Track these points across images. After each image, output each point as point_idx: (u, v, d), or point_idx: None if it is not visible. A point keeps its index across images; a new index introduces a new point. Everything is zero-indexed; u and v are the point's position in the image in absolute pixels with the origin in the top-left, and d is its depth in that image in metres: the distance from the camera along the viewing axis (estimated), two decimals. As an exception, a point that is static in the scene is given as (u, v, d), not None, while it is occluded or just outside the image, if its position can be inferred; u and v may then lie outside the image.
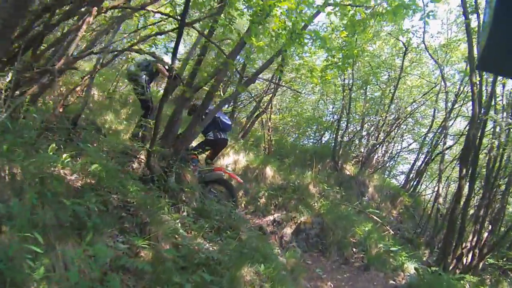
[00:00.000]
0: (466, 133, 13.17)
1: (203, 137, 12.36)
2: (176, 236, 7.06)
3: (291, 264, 9.88)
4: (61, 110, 7.46)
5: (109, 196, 6.93)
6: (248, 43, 9.05)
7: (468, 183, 11.93)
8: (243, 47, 9.99)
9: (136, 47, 9.44)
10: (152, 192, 8.46)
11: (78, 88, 8.05)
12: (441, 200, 17.39)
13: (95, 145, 9.10)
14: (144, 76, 11.23)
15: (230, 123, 12.34)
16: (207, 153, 12.36)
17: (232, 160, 16.38)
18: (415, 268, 10.72)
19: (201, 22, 10.30)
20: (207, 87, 10.76)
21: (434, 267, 10.74)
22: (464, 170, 11.89)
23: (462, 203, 11.96)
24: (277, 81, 18.24)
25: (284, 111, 27.50)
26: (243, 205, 14.19)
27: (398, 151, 25.27)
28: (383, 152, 22.96)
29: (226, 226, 9.09)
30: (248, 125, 20.26)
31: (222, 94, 18.45)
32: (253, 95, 22.28)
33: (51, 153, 6.50)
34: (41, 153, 6.36)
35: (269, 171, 15.89)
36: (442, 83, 18.92)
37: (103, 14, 8.61)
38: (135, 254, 6.13)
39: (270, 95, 20.17)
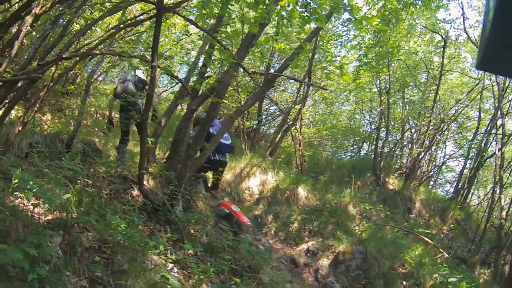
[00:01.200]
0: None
1: None
2: (165, 288, 5.32)
3: None
4: (20, 128, 5.95)
5: (81, 234, 5.34)
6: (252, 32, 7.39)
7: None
8: (252, 41, 8.30)
9: (116, 49, 7.95)
10: (152, 225, 6.98)
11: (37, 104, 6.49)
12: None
13: (91, 170, 7.72)
14: (141, 100, 9.98)
15: (228, 142, 10.71)
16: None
17: (259, 180, 14.82)
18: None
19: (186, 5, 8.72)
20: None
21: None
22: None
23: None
24: (305, 80, 16.58)
25: (318, 124, 26.02)
26: (272, 232, 12.57)
27: (443, 158, 23.22)
28: (427, 161, 20.99)
29: (243, 265, 7.38)
30: (276, 140, 18.58)
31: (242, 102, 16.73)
32: (280, 107, 20.59)
33: (15, 181, 4.92)
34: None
35: (301, 191, 14.26)
36: (488, 78, 17.15)
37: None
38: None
39: (299, 106, 18.34)
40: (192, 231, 7.90)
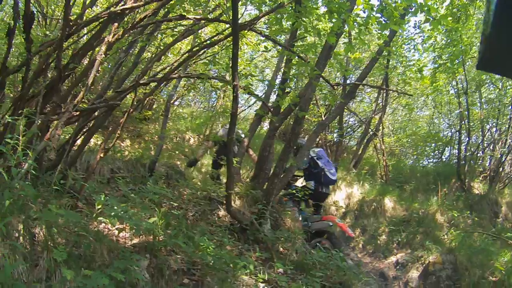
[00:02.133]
0: None
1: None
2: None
3: None
4: (102, 155, 5.93)
5: (169, 257, 5.26)
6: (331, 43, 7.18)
7: None
8: (330, 51, 8.09)
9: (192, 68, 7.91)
10: (240, 245, 6.86)
11: (118, 131, 6.48)
12: None
13: (175, 192, 7.70)
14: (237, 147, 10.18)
15: (335, 178, 10.63)
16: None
17: (344, 194, 14.62)
18: None
19: (262, 21, 8.60)
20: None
21: None
22: None
23: None
24: (385, 87, 16.24)
25: (398, 132, 25.58)
26: (360, 245, 12.33)
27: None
28: (509, 161, 20.14)
29: (334, 282, 7.14)
30: (359, 152, 18.30)
31: (323, 116, 16.50)
32: (361, 118, 20.19)
33: (98, 207, 4.88)
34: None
35: (388, 202, 13.94)
36: None
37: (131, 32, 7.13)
38: None
39: (380, 115, 18.01)
40: (281, 249, 7.76)
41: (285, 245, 7.90)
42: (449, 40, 14.76)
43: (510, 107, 17.60)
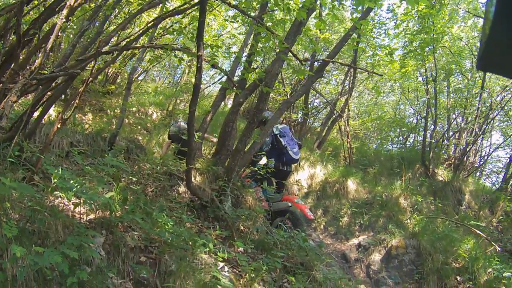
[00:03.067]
0: None
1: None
2: (215, 289, 4.98)
3: None
4: (59, 126, 5.69)
5: (126, 234, 5.08)
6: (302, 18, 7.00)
7: None
8: (300, 27, 7.93)
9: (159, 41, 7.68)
10: (200, 222, 6.74)
11: (76, 100, 6.23)
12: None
13: (135, 167, 7.51)
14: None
15: (297, 157, 10.60)
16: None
17: (307, 174, 14.54)
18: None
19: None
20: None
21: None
22: None
23: None
24: (350, 69, 16.25)
25: (363, 115, 25.72)
26: (322, 227, 12.29)
27: (489, 148, 22.59)
28: (474, 151, 20.42)
29: (295, 262, 7.03)
30: (323, 133, 18.26)
31: (288, 95, 16.38)
32: (326, 99, 20.16)
33: (54, 181, 4.69)
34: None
35: (351, 184, 13.94)
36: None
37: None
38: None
39: (346, 97, 17.95)
40: (242, 227, 7.60)
41: (246, 224, 7.77)
42: (421, 27, 14.75)
43: (477, 98, 17.78)
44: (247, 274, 5.91)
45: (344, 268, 9.93)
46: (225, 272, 5.75)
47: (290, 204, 9.71)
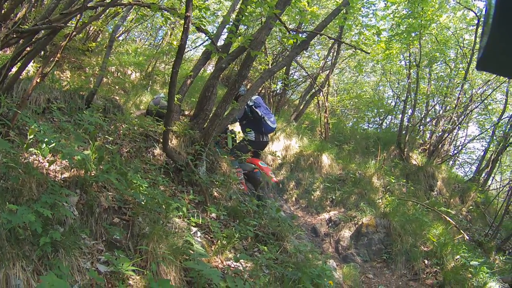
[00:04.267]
0: None
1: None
2: (187, 254, 4.95)
3: (349, 283, 7.94)
4: (38, 80, 5.58)
5: (100, 194, 5.02)
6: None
7: None
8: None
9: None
10: (174, 186, 6.74)
11: (58, 54, 6.10)
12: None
13: (112, 127, 7.42)
14: None
15: (274, 126, 10.58)
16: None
17: (282, 145, 14.47)
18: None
19: None
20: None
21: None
22: None
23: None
24: (335, 45, 16.18)
25: (342, 92, 25.70)
26: (294, 199, 12.31)
27: (464, 139, 22.85)
28: (450, 140, 20.62)
29: (267, 232, 7.07)
30: (301, 106, 18.22)
31: (269, 65, 16.28)
32: (307, 73, 20.06)
33: (30, 137, 4.61)
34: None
35: (325, 159, 13.96)
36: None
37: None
38: (121, 283, 4.12)
39: (327, 72, 17.92)
40: (215, 193, 7.60)
41: (220, 190, 7.76)
42: (410, 12, 14.72)
43: (459, 88, 17.99)
44: (219, 241, 5.92)
45: (314, 241, 9.96)
46: (197, 237, 5.74)
47: (254, 166, 9.80)
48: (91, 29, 13.70)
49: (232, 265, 5.69)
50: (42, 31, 6.30)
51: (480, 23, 16.97)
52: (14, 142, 5.26)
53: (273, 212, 7.59)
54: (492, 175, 19.62)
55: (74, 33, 6.14)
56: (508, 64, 1.38)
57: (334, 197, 12.17)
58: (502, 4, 1.20)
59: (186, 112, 10.58)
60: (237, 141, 10.18)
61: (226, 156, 9.00)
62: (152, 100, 10.33)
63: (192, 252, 4.98)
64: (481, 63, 1.37)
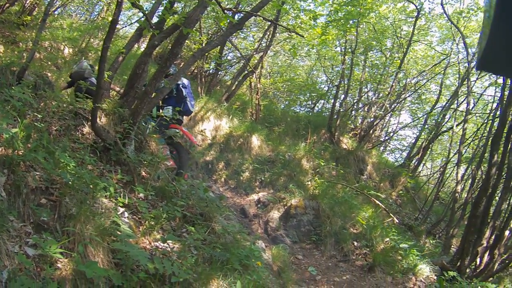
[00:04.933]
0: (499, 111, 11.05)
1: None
2: (115, 235, 4.98)
3: (278, 264, 8.02)
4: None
5: (27, 174, 4.98)
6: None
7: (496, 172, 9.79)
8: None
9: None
10: (102, 165, 6.67)
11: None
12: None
13: (41, 104, 7.31)
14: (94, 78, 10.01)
15: (192, 110, 10.78)
16: None
17: (212, 125, 14.52)
18: (439, 279, 8.66)
19: None
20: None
21: (451, 271, 8.74)
22: (496, 156, 9.76)
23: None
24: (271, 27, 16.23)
25: (275, 75, 25.78)
26: (223, 179, 12.38)
27: (396, 126, 23.44)
28: (381, 126, 21.10)
29: (195, 213, 7.12)
30: (233, 87, 18.02)
31: (203, 44, 16.24)
32: (241, 54, 20.09)
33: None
34: None
35: (255, 140, 14.06)
36: (454, 55, 17.68)
37: None
38: (49, 266, 4.13)
39: (261, 54, 18.03)
40: (143, 173, 7.58)
41: (148, 170, 7.76)
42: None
43: (392, 77, 18.57)
44: (147, 222, 5.93)
45: (243, 222, 10.04)
46: (125, 218, 5.75)
47: (177, 131, 9.94)
48: (27, 2, 13.41)
49: (160, 246, 5.73)
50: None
51: (420, 16, 17.38)
52: None
53: (201, 193, 7.63)
54: (423, 162, 20.28)
55: (8, 4, 6.05)
56: (508, 64, 1.47)
57: (263, 179, 12.30)
58: (501, 5, 1.27)
59: (117, 89, 10.54)
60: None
61: (154, 136, 9.00)
62: (76, 65, 10.25)
63: (119, 233, 4.99)
64: (481, 63, 1.47)
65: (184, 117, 10.88)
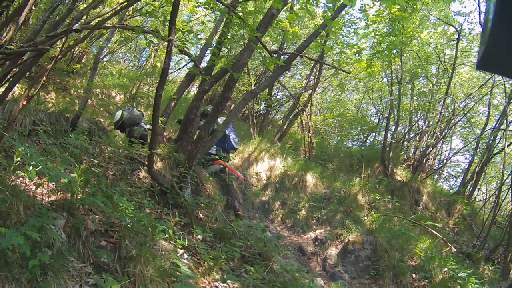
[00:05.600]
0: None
1: None
2: (174, 276, 4.96)
3: None
4: (25, 103, 5.59)
5: (87, 217, 5.03)
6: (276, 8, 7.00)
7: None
8: (272, 19, 7.91)
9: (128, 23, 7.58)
10: (160, 208, 6.70)
11: (44, 77, 6.12)
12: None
13: (97, 149, 7.42)
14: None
15: (236, 147, 11.00)
16: None
17: (267, 166, 14.47)
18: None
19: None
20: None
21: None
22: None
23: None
24: (320, 60, 16.20)
25: (325, 111, 25.62)
26: (279, 219, 12.29)
27: (448, 152, 22.96)
28: (434, 154, 20.72)
29: (253, 253, 7.06)
30: (285, 126, 18.20)
31: (252, 86, 16.34)
32: (290, 93, 20.12)
33: (17, 159, 4.61)
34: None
35: (310, 178, 13.93)
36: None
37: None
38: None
39: (310, 92, 17.95)
40: (201, 215, 7.62)
41: (205, 212, 7.78)
42: (390, 29, 14.85)
43: (441, 103, 17.99)
44: (206, 262, 5.94)
45: (301, 260, 9.96)
46: (184, 259, 5.76)
47: (222, 166, 10.14)
48: (75, 50, 13.73)
49: (220, 286, 5.71)
50: (28, 53, 6.31)
51: (461, 37, 17.17)
52: (1, 165, 5.25)
53: (258, 233, 7.63)
54: (478, 187, 19.78)
55: (60, 56, 6.17)
56: (508, 64, 1.44)
57: (319, 216, 12.17)
58: (502, 5, 1.24)
59: (166, 134, 10.71)
60: None
61: (210, 178, 9.07)
62: (123, 110, 10.41)
63: (179, 274, 5.00)
64: (481, 63, 1.43)
65: (237, 157, 10.94)
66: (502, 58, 1.40)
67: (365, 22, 15.42)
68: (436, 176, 21.65)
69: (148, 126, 9.69)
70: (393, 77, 17.70)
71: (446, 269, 9.32)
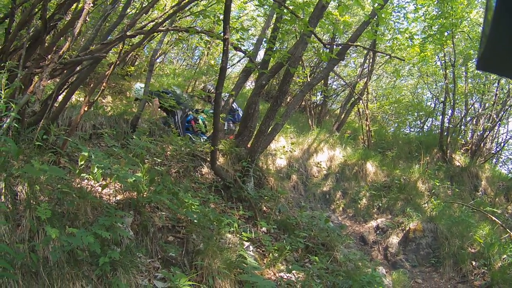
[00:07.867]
0: None
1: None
2: (241, 268, 5.07)
3: None
4: (86, 108, 5.78)
5: (153, 214, 5.17)
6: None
7: None
8: (322, 11, 7.92)
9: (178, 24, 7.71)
10: (224, 203, 6.83)
11: (104, 83, 6.30)
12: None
13: (158, 148, 7.58)
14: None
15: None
16: None
17: (327, 156, 14.46)
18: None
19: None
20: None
21: None
22: None
23: None
24: (373, 47, 16.06)
25: (381, 98, 25.48)
26: (341, 208, 12.29)
27: (506, 135, 22.31)
28: (491, 137, 20.22)
29: (317, 243, 7.11)
30: (343, 115, 18.14)
31: (308, 77, 16.31)
32: (345, 82, 20.05)
33: (81, 163, 4.77)
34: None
35: (370, 167, 13.94)
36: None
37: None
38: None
39: (365, 80, 17.94)
40: (264, 208, 7.71)
41: (268, 204, 7.87)
42: (440, 12, 14.61)
43: (495, 84, 17.66)
44: (271, 254, 6.04)
45: (363, 249, 10.00)
46: (250, 251, 5.86)
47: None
48: (129, 54, 14.01)
49: (285, 277, 5.79)
50: (84, 62, 6.48)
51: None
52: (66, 169, 5.43)
53: (321, 223, 7.68)
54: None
55: (118, 61, 6.34)
56: (508, 64, 1.43)
57: (380, 204, 12.16)
58: (502, 5, 1.24)
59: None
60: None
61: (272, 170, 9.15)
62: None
63: (245, 265, 5.11)
64: (481, 63, 1.43)
65: (297, 148, 11.06)
66: (502, 58, 1.41)
67: (414, 6, 15.25)
68: (495, 160, 21.18)
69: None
70: (447, 60, 17.37)
71: (505, 256, 9.16)
